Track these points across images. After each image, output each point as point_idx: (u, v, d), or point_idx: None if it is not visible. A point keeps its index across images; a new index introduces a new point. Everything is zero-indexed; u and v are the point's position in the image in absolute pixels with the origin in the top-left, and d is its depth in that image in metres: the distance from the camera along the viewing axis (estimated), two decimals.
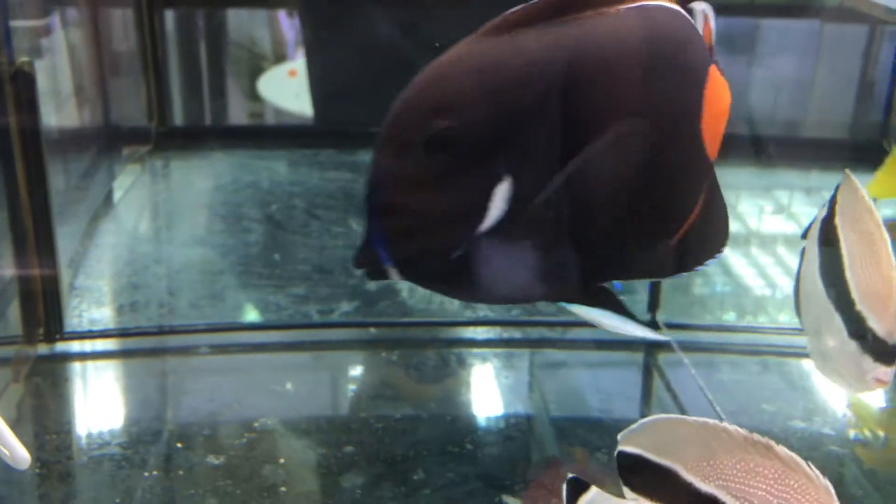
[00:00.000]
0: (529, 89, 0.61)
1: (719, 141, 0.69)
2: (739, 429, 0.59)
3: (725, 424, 0.59)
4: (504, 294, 0.67)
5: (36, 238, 1.29)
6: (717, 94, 0.68)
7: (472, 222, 0.61)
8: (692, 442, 0.60)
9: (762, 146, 1.85)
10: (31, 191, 1.27)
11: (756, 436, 0.59)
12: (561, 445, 1.19)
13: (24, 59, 1.24)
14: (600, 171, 0.63)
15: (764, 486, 0.57)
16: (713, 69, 0.68)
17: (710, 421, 0.60)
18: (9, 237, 1.26)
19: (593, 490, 0.66)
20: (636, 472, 0.63)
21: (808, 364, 1.35)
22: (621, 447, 0.64)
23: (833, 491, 0.56)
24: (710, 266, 0.72)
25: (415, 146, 0.61)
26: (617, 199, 0.65)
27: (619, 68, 0.63)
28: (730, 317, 1.54)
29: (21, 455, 0.86)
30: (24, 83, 1.23)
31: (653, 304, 1.39)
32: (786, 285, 1.57)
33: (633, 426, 0.64)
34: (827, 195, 0.89)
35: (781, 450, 0.57)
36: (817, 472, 0.56)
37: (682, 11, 0.67)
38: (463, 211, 0.62)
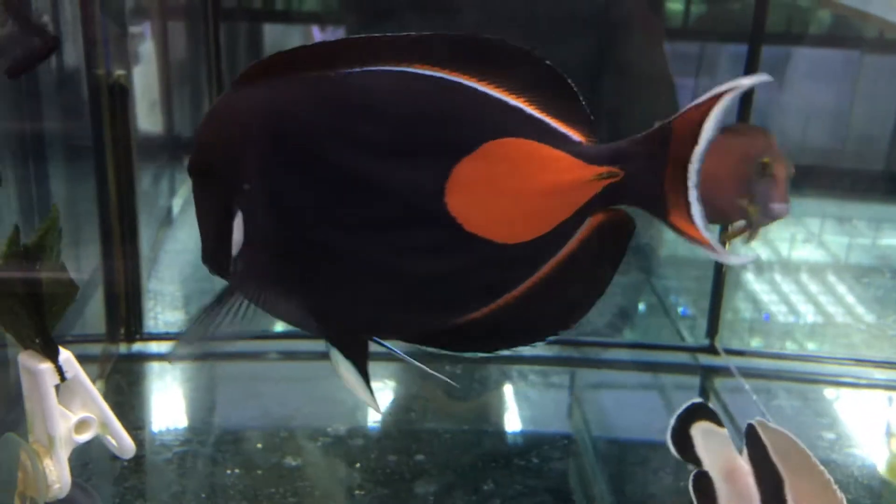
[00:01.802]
0: (242, 139, 0.67)
1: (537, 222, 0.64)
2: (839, 491, 0.64)
3: (833, 481, 0.65)
4: (278, 315, 0.71)
5: (122, 243, 1.35)
6: (496, 171, 0.63)
7: (225, 247, 0.68)
8: (804, 473, 0.65)
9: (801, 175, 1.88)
10: (120, 198, 1.33)
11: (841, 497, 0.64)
12: (620, 462, 1.22)
13: (121, 72, 1.31)
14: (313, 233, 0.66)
15: None
16: (503, 143, 0.64)
17: (823, 470, 0.66)
18: (98, 241, 1.32)
19: (723, 431, 0.74)
20: (755, 452, 0.68)
21: (862, 393, 1.39)
22: (755, 424, 0.70)
23: None
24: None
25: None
26: (351, 265, 0.66)
27: (305, 131, 0.65)
28: (757, 343, 1.57)
29: (128, 445, 0.91)
30: (119, 96, 1.29)
31: (711, 330, 1.43)
32: (808, 312, 1.59)
33: (771, 423, 0.70)
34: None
35: None
36: None
37: (444, 79, 0.65)
38: (218, 235, 0.69)
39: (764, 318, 1.58)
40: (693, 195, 0.63)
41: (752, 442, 0.71)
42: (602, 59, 1.90)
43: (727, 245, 1.09)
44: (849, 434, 1.25)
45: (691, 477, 0.77)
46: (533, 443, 1.23)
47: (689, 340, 1.49)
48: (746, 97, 1.33)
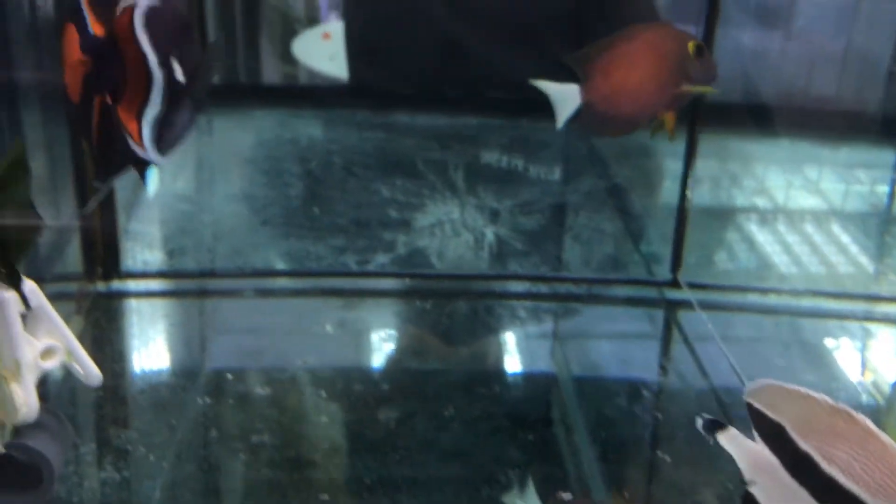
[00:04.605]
0: None
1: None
2: (827, 397, 0.66)
3: (816, 393, 0.67)
4: None
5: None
6: None
7: None
8: (796, 404, 0.68)
9: (795, 118, 1.89)
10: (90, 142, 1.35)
11: (841, 404, 0.66)
12: (580, 395, 1.26)
13: None
14: None
15: (847, 449, 0.64)
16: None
17: (806, 389, 0.68)
18: (73, 182, 1.35)
19: (731, 430, 0.74)
20: (758, 422, 0.71)
21: (822, 324, 1.43)
22: (747, 399, 0.72)
23: None
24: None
25: None
26: None
27: None
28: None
29: (94, 373, 0.95)
30: None
31: (675, 265, 1.47)
32: (809, 262, 1.62)
33: (754, 384, 0.71)
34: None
35: (861, 417, 0.64)
36: (892, 441, 0.63)
37: None
38: None
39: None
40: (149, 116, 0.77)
41: (752, 419, 0.72)
42: (587, 5, 1.90)
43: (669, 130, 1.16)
44: (800, 361, 1.30)
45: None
46: (504, 373, 1.28)
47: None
48: (708, 39, 1.34)
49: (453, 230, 1.66)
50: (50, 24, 1.35)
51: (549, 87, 1.12)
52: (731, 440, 0.75)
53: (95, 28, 0.79)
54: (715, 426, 0.75)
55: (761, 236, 1.69)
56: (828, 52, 2.08)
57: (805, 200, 1.84)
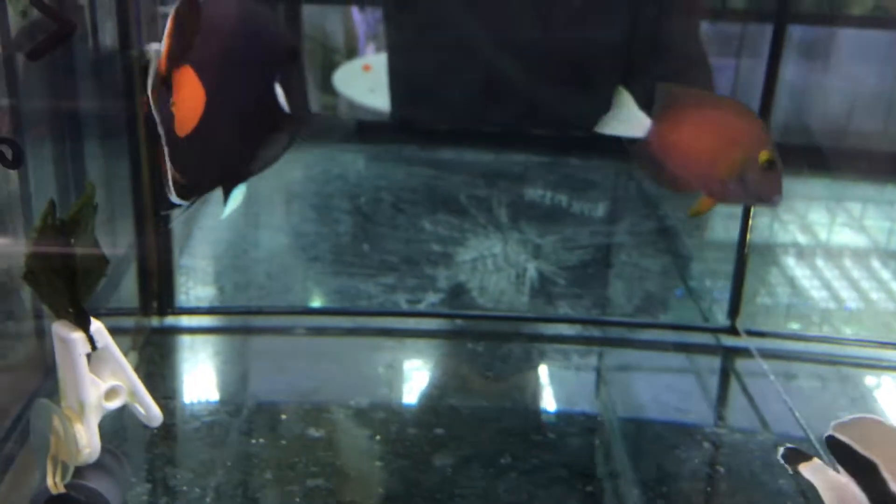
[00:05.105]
0: None
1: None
2: None
3: None
4: None
5: (154, 220, 1.39)
6: None
7: None
8: (889, 442, 0.66)
9: (837, 157, 1.87)
10: (152, 174, 1.37)
11: None
12: (637, 445, 1.24)
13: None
14: None
15: None
16: None
17: None
18: (132, 216, 1.36)
19: (816, 461, 0.73)
20: (845, 457, 0.70)
21: (886, 375, 1.39)
22: (832, 433, 0.71)
23: None
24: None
25: None
26: None
27: None
28: (795, 327, 1.56)
29: (155, 413, 0.95)
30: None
31: (733, 311, 1.44)
32: (851, 298, 1.59)
33: (845, 419, 0.72)
34: None
35: None
36: None
37: None
38: None
39: (845, 308, 1.56)
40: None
41: (835, 450, 0.71)
42: (638, 39, 1.90)
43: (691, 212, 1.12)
44: (864, 412, 1.26)
45: None
46: (558, 419, 1.26)
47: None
48: (771, 75, 1.33)
49: (495, 265, 1.65)
50: (112, 58, 1.37)
51: (628, 102, 1.07)
52: (816, 472, 0.74)
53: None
54: (798, 457, 0.75)
55: (798, 271, 1.66)
56: (874, 88, 2.06)
57: (848, 238, 1.81)
